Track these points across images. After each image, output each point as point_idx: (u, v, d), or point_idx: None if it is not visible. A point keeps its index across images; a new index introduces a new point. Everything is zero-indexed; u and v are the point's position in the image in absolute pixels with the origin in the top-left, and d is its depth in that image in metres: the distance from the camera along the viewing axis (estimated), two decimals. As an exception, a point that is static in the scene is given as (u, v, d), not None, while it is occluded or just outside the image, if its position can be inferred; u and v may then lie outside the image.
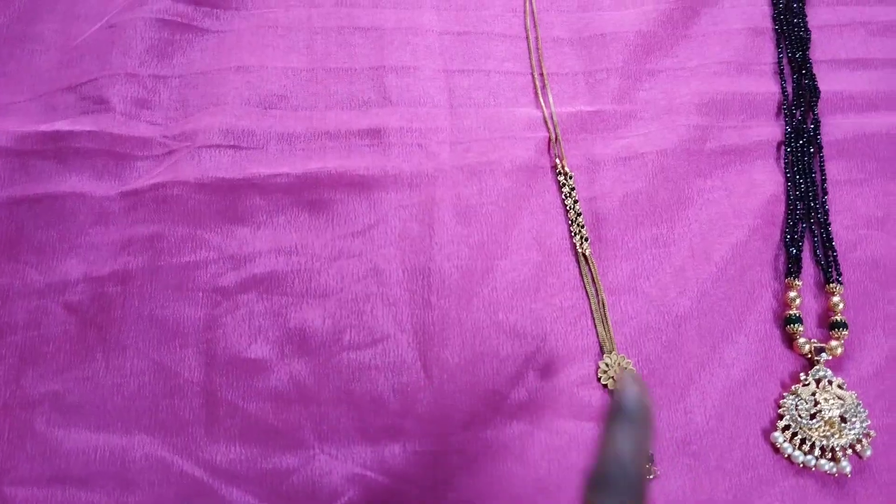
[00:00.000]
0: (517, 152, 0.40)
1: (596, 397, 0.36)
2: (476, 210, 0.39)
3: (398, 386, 0.35)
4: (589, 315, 0.37)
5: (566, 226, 0.39)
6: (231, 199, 0.39)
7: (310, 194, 0.39)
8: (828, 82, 0.43)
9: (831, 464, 0.35)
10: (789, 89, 0.43)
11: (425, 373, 0.35)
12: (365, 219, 0.39)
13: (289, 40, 0.43)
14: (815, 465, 0.35)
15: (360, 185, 0.39)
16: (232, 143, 0.39)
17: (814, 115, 0.42)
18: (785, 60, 0.44)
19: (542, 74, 0.40)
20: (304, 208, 0.39)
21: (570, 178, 0.40)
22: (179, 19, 0.42)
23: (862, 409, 0.36)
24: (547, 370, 0.36)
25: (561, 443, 0.35)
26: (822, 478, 0.35)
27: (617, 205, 0.39)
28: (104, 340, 0.36)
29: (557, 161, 0.40)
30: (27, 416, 0.35)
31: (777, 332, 0.38)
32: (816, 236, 0.40)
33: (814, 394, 0.36)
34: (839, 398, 0.36)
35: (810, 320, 0.38)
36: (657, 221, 0.39)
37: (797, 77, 0.43)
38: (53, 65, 0.42)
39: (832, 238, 0.39)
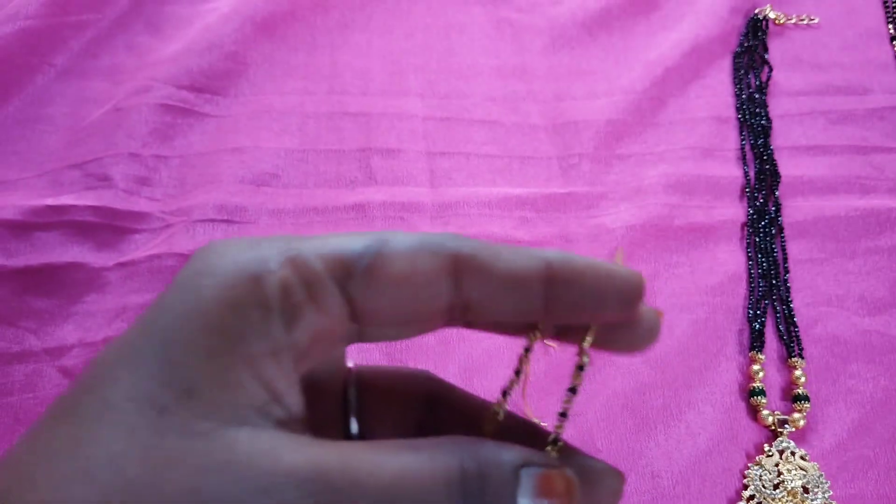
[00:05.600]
0: (493, 228, 0.45)
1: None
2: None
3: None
4: (562, 382, 0.42)
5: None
6: (222, 271, 0.44)
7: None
8: (789, 167, 0.49)
9: (795, 533, 0.39)
10: (751, 174, 0.49)
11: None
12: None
13: (282, 123, 0.49)
14: (779, 535, 0.39)
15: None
16: (225, 218, 0.45)
17: (775, 197, 0.47)
18: (748, 146, 0.50)
19: None
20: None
21: None
22: (182, 105, 0.49)
23: (824, 480, 0.40)
24: None
25: None
26: (787, 548, 0.39)
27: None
28: (95, 403, 0.40)
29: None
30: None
31: (742, 404, 0.42)
32: (779, 312, 0.44)
33: (777, 465, 0.40)
34: (802, 469, 0.40)
35: (774, 393, 0.42)
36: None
37: (759, 162, 0.49)
38: (62, 144, 0.48)
39: (794, 314, 0.44)
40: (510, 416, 0.23)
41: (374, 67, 0.52)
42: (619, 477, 0.21)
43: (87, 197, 0.45)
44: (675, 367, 0.42)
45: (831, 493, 0.39)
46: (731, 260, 0.46)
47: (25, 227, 0.45)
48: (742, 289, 0.45)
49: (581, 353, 0.21)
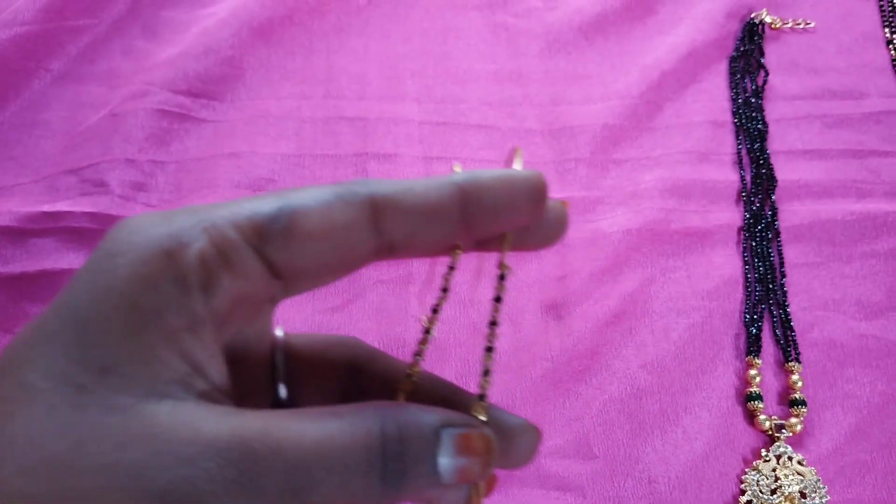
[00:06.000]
0: (489, 234, 0.45)
1: (563, 467, 0.40)
2: (450, 285, 0.44)
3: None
4: (560, 386, 0.42)
5: (538, 301, 0.44)
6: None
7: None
8: (785, 171, 0.49)
9: (792, 538, 0.39)
10: (748, 178, 0.49)
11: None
12: (344, 294, 0.44)
13: (279, 128, 0.49)
14: (776, 540, 0.39)
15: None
16: (221, 223, 0.45)
17: (771, 202, 0.48)
18: (744, 151, 0.50)
19: None
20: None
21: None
22: (178, 110, 0.49)
23: (821, 485, 0.40)
24: None
25: (528, 514, 0.39)
26: (784, 552, 0.39)
27: (584, 282, 0.44)
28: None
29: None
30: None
31: (739, 409, 0.42)
32: (775, 317, 0.45)
33: (774, 469, 0.40)
34: (799, 474, 0.40)
35: (770, 398, 0.43)
36: (621, 297, 0.44)
37: (755, 166, 0.49)
38: (58, 149, 0.48)
39: (790, 319, 0.44)
40: (429, 376, 0.24)
41: (370, 72, 0.52)
42: (535, 433, 0.23)
43: (82, 203, 0.45)
44: (671, 372, 0.42)
45: (829, 497, 0.39)
46: (727, 264, 0.46)
47: (21, 234, 0.45)
48: (739, 293, 0.45)
49: (501, 264, 0.22)
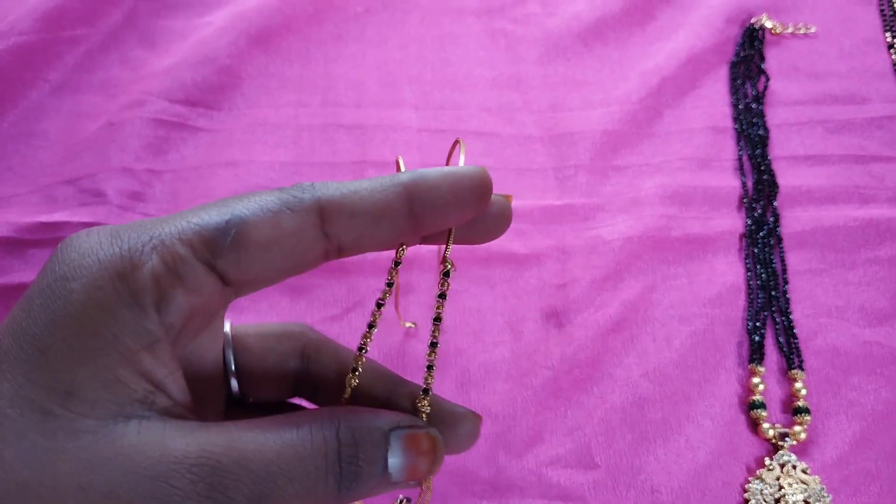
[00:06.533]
0: (489, 241, 0.45)
1: (564, 477, 0.39)
2: (450, 294, 0.43)
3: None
4: (561, 395, 0.41)
5: (539, 308, 0.44)
6: (216, 286, 0.44)
7: (291, 280, 0.44)
8: (787, 177, 0.49)
9: (797, 548, 0.38)
10: (749, 184, 0.48)
11: (397, 454, 0.39)
12: (343, 303, 0.43)
13: (277, 137, 0.49)
14: (781, 550, 0.38)
15: (339, 269, 0.44)
16: (219, 233, 0.45)
17: (773, 208, 0.47)
18: (745, 157, 0.50)
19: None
20: (286, 294, 0.44)
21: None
22: (175, 119, 0.49)
23: (826, 494, 0.39)
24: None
25: (529, 525, 0.38)
26: (789, 563, 0.38)
27: (585, 289, 0.44)
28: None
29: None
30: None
31: (742, 417, 0.42)
32: (778, 324, 0.44)
33: (778, 478, 0.40)
34: (803, 483, 0.40)
35: (774, 406, 0.42)
36: (622, 305, 0.44)
37: (757, 172, 0.49)
38: (56, 160, 0.48)
39: (793, 326, 0.44)
40: (375, 368, 0.25)
41: (368, 79, 0.52)
42: (475, 420, 0.24)
43: (80, 213, 0.45)
44: (674, 381, 0.42)
45: (833, 507, 0.39)
46: (729, 271, 0.45)
47: (20, 244, 0.45)
48: (741, 300, 0.45)
49: (444, 260, 0.23)
